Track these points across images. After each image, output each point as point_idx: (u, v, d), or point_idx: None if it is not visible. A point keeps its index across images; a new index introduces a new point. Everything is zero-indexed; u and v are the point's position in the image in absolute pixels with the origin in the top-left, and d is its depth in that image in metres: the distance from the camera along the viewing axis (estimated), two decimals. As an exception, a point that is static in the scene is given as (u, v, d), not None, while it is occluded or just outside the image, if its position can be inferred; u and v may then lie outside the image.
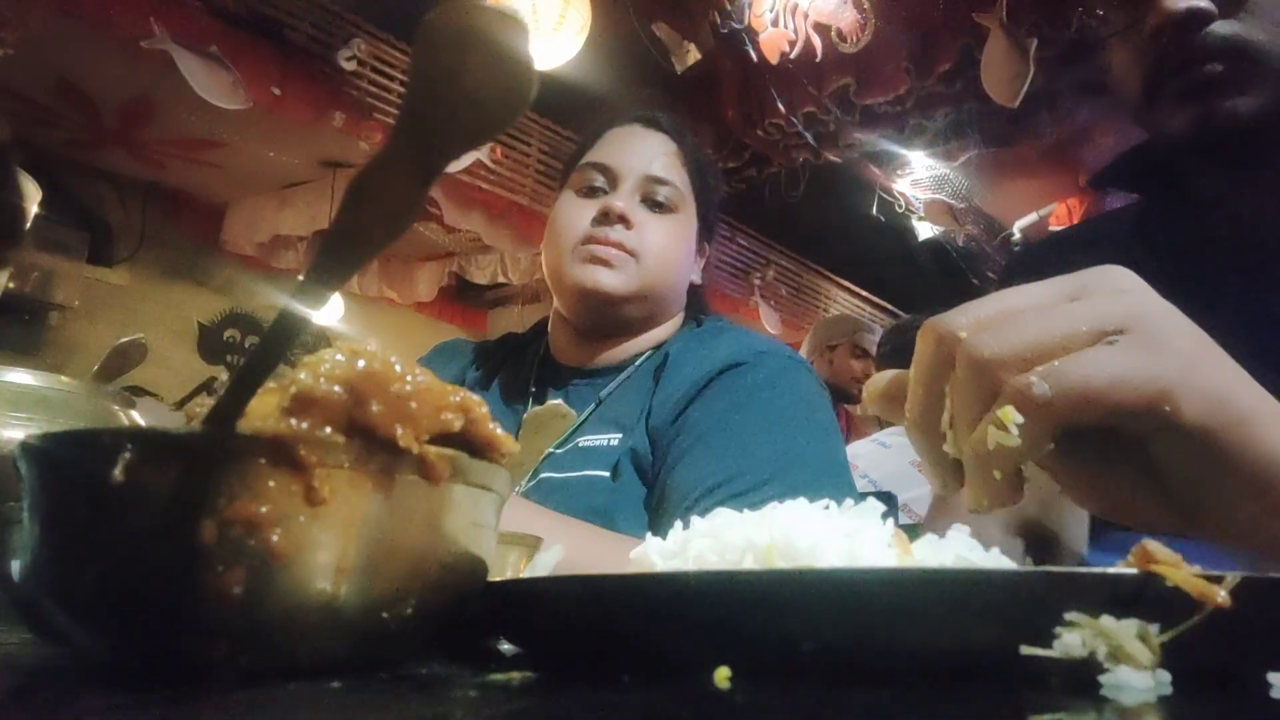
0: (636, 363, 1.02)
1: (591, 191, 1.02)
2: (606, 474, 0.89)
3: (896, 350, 2.37)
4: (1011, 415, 0.35)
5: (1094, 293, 0.38)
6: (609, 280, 0.96)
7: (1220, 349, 0.39)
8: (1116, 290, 0.38)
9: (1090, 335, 0.36)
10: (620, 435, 0.92)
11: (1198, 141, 0.65)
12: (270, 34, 3.08)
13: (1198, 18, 0.62)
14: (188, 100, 2.84)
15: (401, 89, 3.51)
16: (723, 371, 0.92)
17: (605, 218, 0.97)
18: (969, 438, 0.37)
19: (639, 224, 0.98)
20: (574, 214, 1.00)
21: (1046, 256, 0.82)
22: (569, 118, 4.17)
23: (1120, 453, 0.39)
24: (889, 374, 0.43)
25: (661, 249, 0.99)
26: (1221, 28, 0.62)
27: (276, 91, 3.01)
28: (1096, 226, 0.82)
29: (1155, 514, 0.40)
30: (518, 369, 1.09)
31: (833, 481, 0.85)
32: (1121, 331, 0.36)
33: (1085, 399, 0.35)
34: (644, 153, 1.03)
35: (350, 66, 3.27)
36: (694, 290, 1.11)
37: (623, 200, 0.98)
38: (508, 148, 3.88)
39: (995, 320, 0.38)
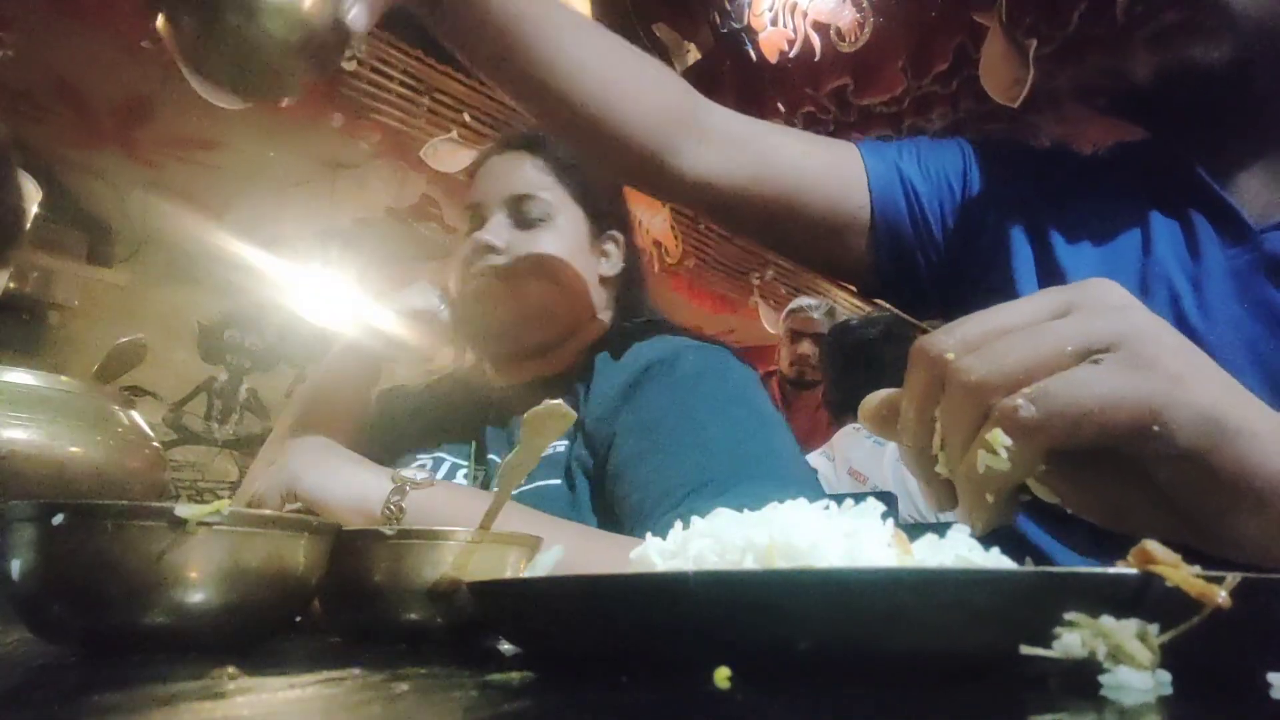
0: (563, 370, 1.03)
1: (473, 231, 1.04)
2: (559, 481, 0.90)
3: (841, 349, 2.33)
4: (1000, 438, 0.35)
5: (1080, 309, 0.38)
6: (494, 313, 0.99)
7: (1210, 362, 0.39)
8: (1104, 307, 0.38)
9: (1077, 354, 0.36)
10: (566, 441, 0.93)
11: (1163, 90, 0.67)
12: (270, 34, 3.07)
13: None
14: (187, 100, 2.83)
15: (401, 89, 3.51)
16: (648, 370, 0.92)
17: (476, 254, 1.00)
18: (961, 460, 0.37)
19: (509, 247, 1.00)
20: (459, 255, 1.03)
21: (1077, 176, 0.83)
22: (569, 118, 4.17)
23: (1118, 465, 0.39)
24: (881, 394, 0.43)
25: (536, 260, 1.00)
26: None
27: (276, 91, 3.01)
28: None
29: (1157, 522, 0.39)
30: (456, 409, 1.10)
31: (790, 464, 0.86)
32: (1109, 349, 0.36)
33: (1073, 420, 0.35)
34: (504, 176, 1.05)
35: (349, 67, 3.27)
36: (622, 282, 1.11)
37: (490, 230, 1.01)
38: (508, 148, 3.88)
39: (982, 341, 0.37)
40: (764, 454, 0.84)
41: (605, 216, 1.09)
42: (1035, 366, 0.36)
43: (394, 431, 1.08)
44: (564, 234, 1.03)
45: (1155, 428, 0.35)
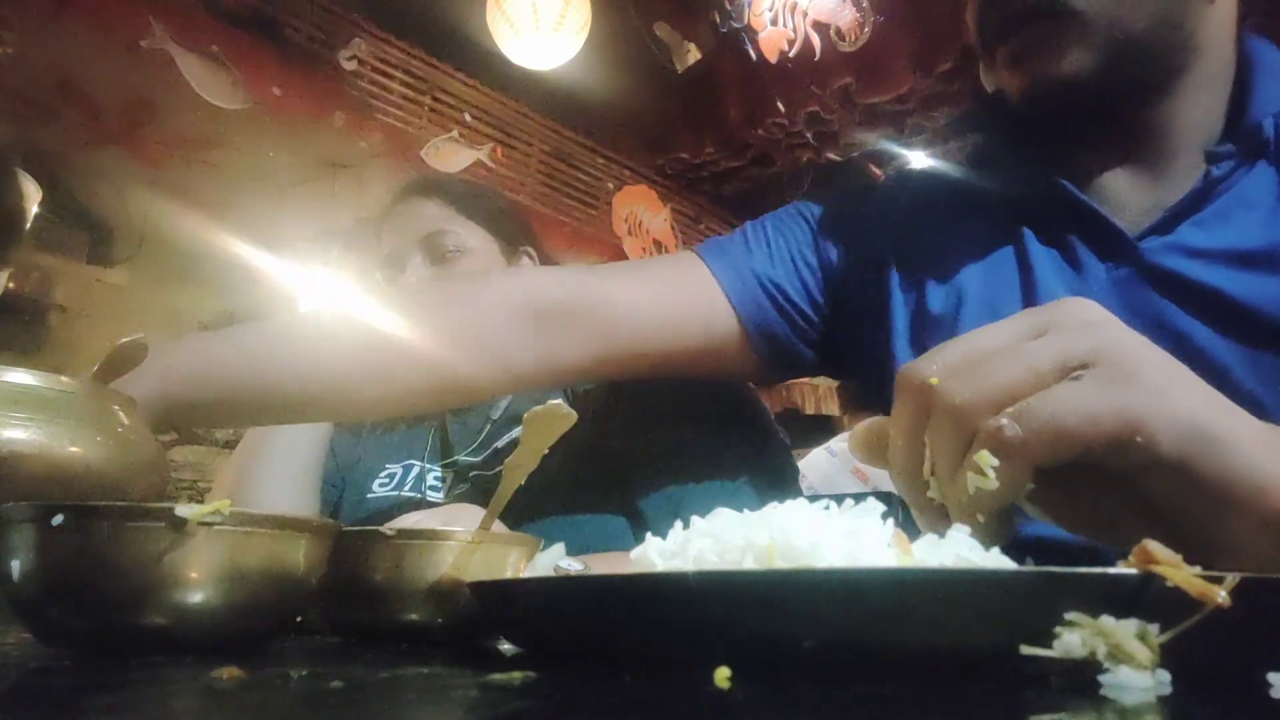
0: None
1: (393, 281, 1.09)
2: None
3: None
4: (986, 459, 0.36)
5: (1055, 327, 0.39)
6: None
7: (1190, 373, 0.39)
8: (1080, 324, 0.39)
9: (1056, 371, 0.37)
10: None
11: (1029, 104, 0.66)
12: (271, 34, 3.08)
13: None
14: (188, 100, 2.84)
15: (403, 89, 3.51)
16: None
17: None
18: (950, 483, 0.38)
19: None
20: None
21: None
22: (570, 117, 4.18)
23: (1105, 480, 0.39)
24: (869, 422, 0.44)
25: None
26: None
27: (277, 91, 3.01)
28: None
29: (1150, 534, 0.40)
30: (420, 419, 1.13)
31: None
32: (1087, 365, 0.37)
33: (1057, 436, 0.35)
34: (412, 221, 1.10)
35: (351, 66, 3.28)
36: None
37: (411, 274, 1.06)
38: (508, 148, 3.88)
39: (963, 364, 0.38)
40: None
41: (515, 236, 1.15)
42: (1016, 386, 0.36)
43: (359, 445, 1.12)
44: (479, 260, 1.09)
45: (1137, 439, 0.36)
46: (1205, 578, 0.26)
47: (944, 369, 0.38)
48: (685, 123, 4.31)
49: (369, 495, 1.07)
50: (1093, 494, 0.40)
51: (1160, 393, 0.37)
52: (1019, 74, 0.65)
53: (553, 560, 0.48)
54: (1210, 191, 0.63)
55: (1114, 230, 0.65)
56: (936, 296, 0.71)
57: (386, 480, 1.05)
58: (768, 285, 0.78)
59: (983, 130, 0.77)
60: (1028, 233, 0.69)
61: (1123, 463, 0.37)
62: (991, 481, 0.35)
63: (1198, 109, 0.67)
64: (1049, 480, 0.38)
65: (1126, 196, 0.68)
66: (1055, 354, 0.37)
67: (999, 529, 0.38)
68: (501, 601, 0.40)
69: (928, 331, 0.70)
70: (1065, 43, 0.62)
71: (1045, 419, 0.35)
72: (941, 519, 0.40)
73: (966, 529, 0.37)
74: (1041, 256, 0.67)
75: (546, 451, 0.52)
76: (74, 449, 0.46)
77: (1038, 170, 0.69)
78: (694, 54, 4.07)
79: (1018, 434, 0.35)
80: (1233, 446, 0.37)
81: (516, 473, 0.52)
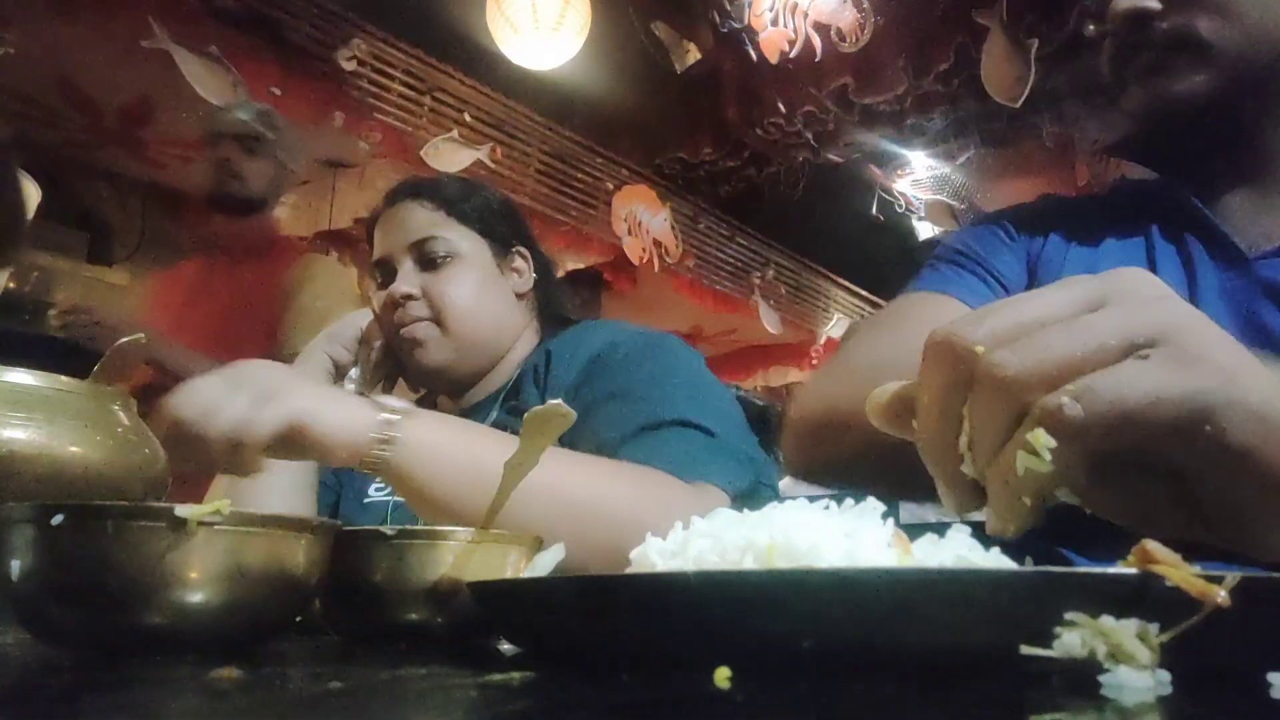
0: (508, 381, 1.08)
1: (385, 285, 1.09)
2: None
3: None
4: (1043, 439, 0.33)
5: (1117, 300, 0.36)
6: (430, 357, 1.04)
7: (1255, 359, 0.37)
8: (1142, 298, 0.36)
9: (1120, 349, 0.34)
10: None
11: (1152, 125, 0.71)
12: (270, 34, 3.08)
13: (1144, 13, 0.69)
14: (188, 100, 2.84)
15: (402, 89, 3.51)
16: (597, 358, 0.99)
17: (395, 306, 1.05)
18: (993, 462, 0.35)
19: (426, 290, 1.05)
20: (381, 313, 1.08)
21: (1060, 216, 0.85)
22: (569, 117, 4.18)
23: (1148, 467, 0.37)
24: (892, 387, 0.40)
25: (455, 298, 1.05)
26: (1170, 20, 0.68)
27: (276, 91, 3.01)
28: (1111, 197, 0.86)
29: (1179, 521, 0.38)
30: None
31: (731, 421, 0.92)
32: (1154, 344, 0.34)
33: (1122, 419, 0.33)
34: (402, 226, 1.09)
35: (350, 66, 3.28)
36: (539, 292, 1.16)
37: (403, 280, 1.05)
38: (507, 148, 3.89)
39: (1014, 333, 0.35)
40: (706, 408, 0.91)
41: (507, 237, 1.14)
42: (1076, 362, 0.34)
43: None
44: (472, 264, 1.08)
45: (1206, 427, 0.33)
46: (1205, 578, 0.26)
47: (992, 336, 0.35)
48: (683, 123, 4.31)
49: (366, 500, 1.07)
50: (1127, 479, 0.37)
51: (1232, 378, 0.34)
52: (1143, 90, 0.70)
53: (553, 560, 0.48)
54: None
55: (1232, 245, 0.68)
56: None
57: (383, 484, 1.06)
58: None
59: (1124, 155, 0.80)
60: (1157, 238, 0.73)
61: (1186, 452, 0.35)
62: (1045, 464, 0.33)
63: None
64: (1095, 465, 0.35)
65: (1246, 217, 0.71)
66: (1119, 330, 0.34)
67: (1038, 513, 0.35)
68: (501, 601, 0.40)
69: None
70: (1191, 68, 0.67)
71: (1110, 400, 0.33)
72: (972, 496, 0.37)
73: (966, 530, 0.37)
74: (1165, 253, 0.71)
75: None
76: (74, 449, 0.46)
77: (1170, 186, 0.73)
78: (693, 54, 4.07)
79: (1079, 414, 0.33)
80: None
81: (516, 472, 0.52)
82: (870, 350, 0.74)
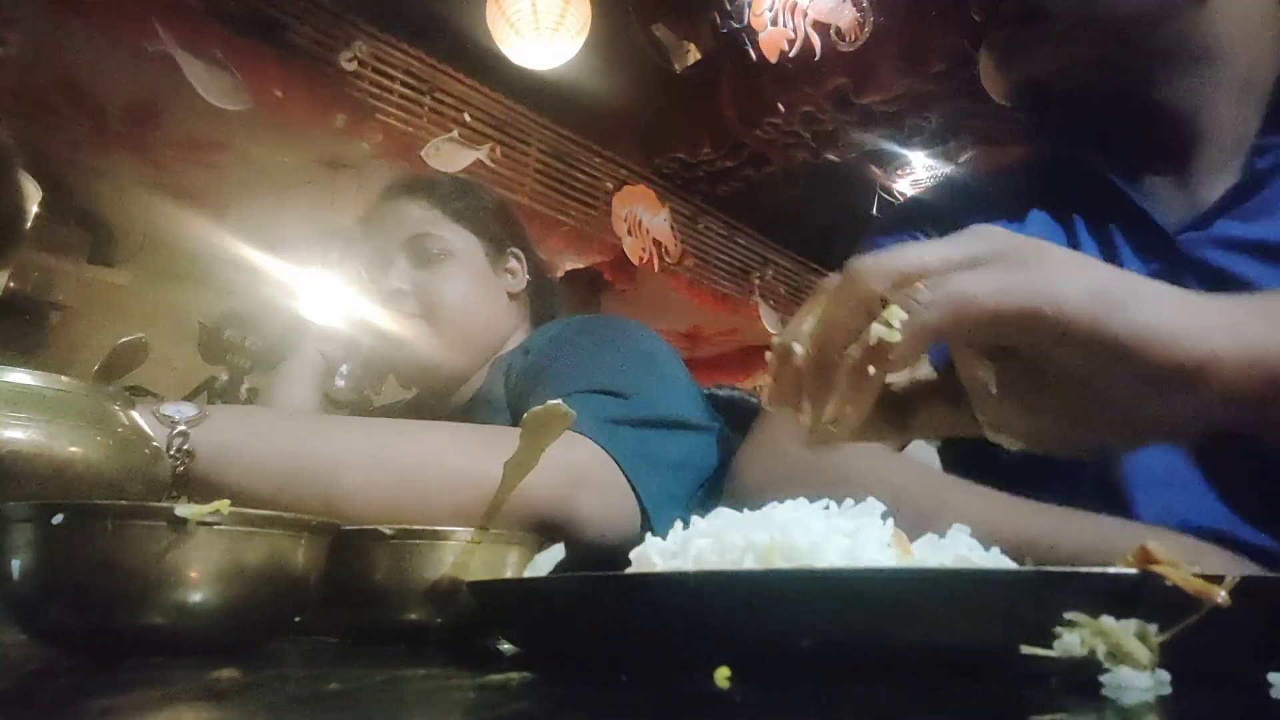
0: (492, 370, 1.08)
1: (377, 280, 1.08)
2: None
3: None
4: (895, 313, 0.36)
5: (971, 235, 0.40)
6: (420, 354, 1.04)
7: (1093, 258, 0.41)
8: (987, 233, 0.40)
9: (964, 261, 0.38)
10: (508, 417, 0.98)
11: (1014, 105, 0.69)
12: (272, 36, 3.08)
13: None
14: (190, 102, 2.84)
15: (403, 89, 3.52)
16: (552, 338, 0.99)
17: (388, 301, 1.05)
18: (833, 341, 0.39)
19: (418, 287, 1.05)
20: (372, 304, 1.08)
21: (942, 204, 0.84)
22: (569, 118, 4.18)
23: (1039, 384, 0.40)
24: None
25: (447, 296, 1.05)
26: None
27: (278, 93, 3.01)
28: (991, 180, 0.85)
29: (1074, 434, 0.42)
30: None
31: (682, 392, 0.91)
32: (999, 257, 0.38)
33: (965, 302, 0.37)
34: (396, 222, 1.09)
35: (351, 68, 3.28)
36: (532, 293, 1.16)
37: (395, 276, 1.05)
38: (507, 147, 3.89)
39: (881, 254, 0.39)
40: (654, 376, 0.90)
41: (501, 237, 1.14)
42: (926, 266, 0.38)
43: None
44: (466, 263, 1.08)
45: (1046, 310, 0.37)
46: (1205, 578, 0.26)
47: (857, 260, 0.40)
48: (682, 123, 4.31)
49: None
50: (1036, 400, 0.41)
51: (1067, 268, 0.39)
52: (999, 76, 0.68)
53: (553, 560, 0.48)
54: (1255, 184, 0.64)
55: (1152, 224, 0.67)
56: None
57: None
58: None
59: (1034, 134, 0.79)
60: (1079, 222, 0.71)
61: (1035, 337, 0.38)
62: (895, 332, 0.36)
63: (1234, 104, 0.68)
64: (997, 400, 0.40)
65: (1167, 192, 0.69)
66: (964, 248, 0.39)
67: (868, 403, 0.38)
68: (501, 601, 0.40)
69: None
70: (1037, 44, 0.65)
71: (956, 288, 0.37)
72: (794, 391, 0.40)
73: (967, 530, 0.37)
74: (1088, 247, 0.69)
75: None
76: (74, 449, 0.46)
77: (1088, 164, 0.71)
78: (693, 54, 4.07)
79: (929, 297, 0.37)
80: (1139, 301, 0.39)
81: (517, 471, 0.52)
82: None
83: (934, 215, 0.80)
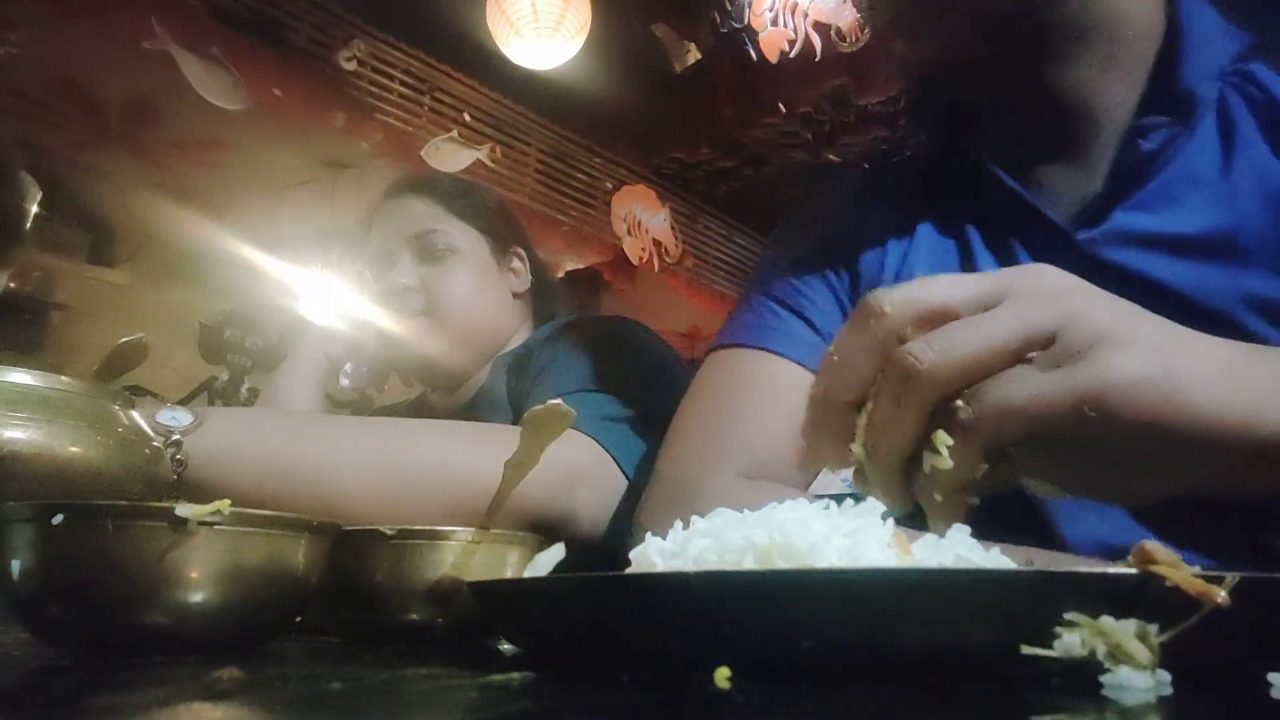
0: (494, 368, 1.08)
1: (382, 277, 1.09)
2: None
3: None
4: (942, 437, 0.36)
5: (1018, 294, 0.39)
6: (425, 350, 1.04)
7: (1152, 322, 0.40)
8: (1042, 293, 0.39)
9: (1018, 351, 0.37)
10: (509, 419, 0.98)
11: (916, 90, 0.66)
12: (271, 35, 3.08)
13: None
14: (189, 101, 2.84)
15: (402, 89, 3.51)
16: (560, 331, 1.01)
17: (394, 297, 1.05)
18: (892, 449, 0.38)
19: (423, 283, 1.06)
20: (377, 305, 1.08)
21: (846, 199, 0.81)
22: (569, 117, 4.18)
23: (1097, 444, 0.39)
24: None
25: (452, 292, 1.06)
26: None
27: (277, 92, 3.01)
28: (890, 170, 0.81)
29: (1123, 485, 0.41)
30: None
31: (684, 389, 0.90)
32: (1049, 341, 0.37)
33: (1006, 415, 0.36)
34: (401, 219, 1.09)
35: (350, 67, 3.28)
36: (535, 293, 1.17)
37: (401, 272, 1.06)
38: (507, 147, 3.89)
39: (925, 315, 0.38)
40: (652, 374, 0.91)
41: (505, 236, 1.14)
42: (979, 364, 0.37)
43: None
44: (470, 261, 1.08)
45: (1090, 413, 0.36)
46: (1205, 578, 0.26)
47: (903, 303, 0.38)
48: (681, 123, 4.31)
49: None
50: (1079, 455, 0.40)
51: (1112, 356, 0.37)
52: (900, 60, 0.65)
53: (553, 560, 0.48)
54: (1146, 168, 0.61)
55: (1048, 224, 0.63)
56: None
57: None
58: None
59: (926, 129, 0.75)
60: (973, 234, 0.68)
61: (1079, 432, 0.37)
62: (946, 460, 0.36)
63: (1121, 84, 0.64)
64: (1045, 455, 0.38)
65: (1064, 185, 0.66)
66: (1019, 330, 0.37)
67: (955, 510, 0.38)
68: (501, 601, 0.40)
69: None
70: (930, 22, 0.62)
71: (996, 402, 0.36)
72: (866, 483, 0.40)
73: (966, 530, 0.37)
74: (984, 261, 0.66)
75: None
76: (74, 449, 0.46)
77: (975, 164, 0.68)
78: (693, 54, 4.07)
79: (969, 416, 0.36)
80: (1191, 385, 0.37)
81: (517, 471, 0.52)
82: (712, 433, 0.69)
83: (829, 241, 0.76)
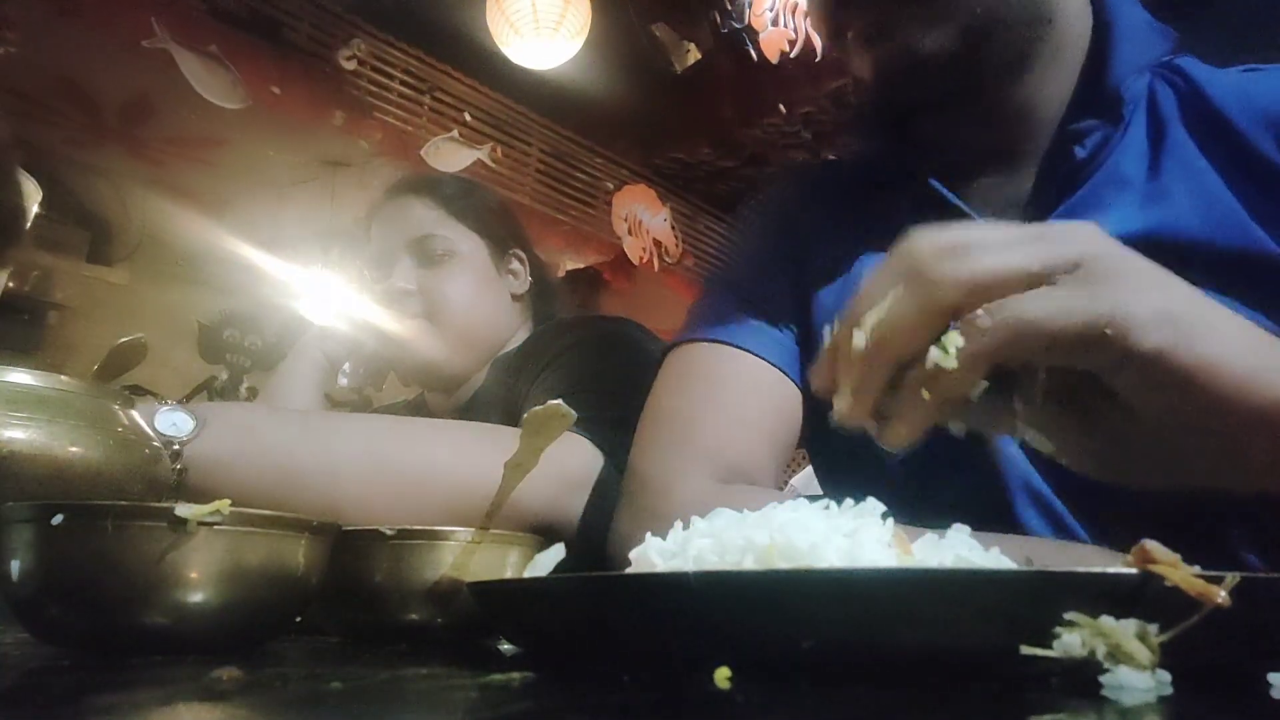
0: (492, 369, 1.08)
1: (381, 279, 1.08)
2: None
3: None
4: (954, 338, 0.36)
5: (1051, 234, 0.39)
6: (423, 353, 1.04)
7: (1175, 277, 0.40)
8: (1075, 234, 0.39)
9: (1042, 274, 0.37)
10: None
11: (887, 81, 0.62)
12: (270, 34, 3.08)
13: None
14: (188, 99, 2.84)
15: (402, 88, 3.51)
16: (559, 332, 1.01)
17: (392, 300, 1.05)
18: (892, 344, 0.38)
19: (422, 287, 1.06)
20: (376, 307, 1.08)
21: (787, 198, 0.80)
22: (569, 117, 4.18)
23: (1102, 413, 0.40)
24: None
25: (452, 296, 1.06)
26: None
27: (276, 91, 3.01)
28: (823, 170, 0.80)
29: (1145, 465, 0.40)
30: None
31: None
32: (1072, 269, 0.37)
33: (1023, 326, 0.36)
34: (401, 222, 1.09)
35: (350, 66, 3.27)
36: (534, 294, 1.16)
37: (400, 275, 1.05)
38: (508, 147, 3.88)
39: (958, 248, 0.38)
40: (651, 375, 0.87)
41: (505, 238, 1.14)
42: (1002, 279, 0.37)
43: None
44: (470, 264, 1.08)
45: (1106, 331, 0.36)
46: (1205, 578, 0.26)
47: (935, 245, 0.38)
48: (681, 123, 4.31)
49: None
50: (1090, 429, 0.40)
51: (1137, 290, 0.37)
52: (872, 54, 0.61)
53: (553, 560, 0.48)
54: (1078, 173, 0.60)
55: None
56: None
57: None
58: (796, 336, 0.72)
59: (864, 134, 0.73)
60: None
61: (1095, 361, 0.37)
62: (951, 359, 0.36)
63: (1055, 84, 0.63)
64: (1048, 416, 0.39)
65: (1000, 190, 0.65)
66: (1043, 256, 0.37)
67: (928, 418, 0.38)
68: (501, 601, 0.40)
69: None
70: (922, 18, 0.58)
71: (1016, 312, 0.36)
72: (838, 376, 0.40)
73: (966, 530, 0.37)
74: None
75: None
76: (74, 449, 0.46)
77: (911, 172, 0.66)
78: (693, 55, 4.07)
79: (986, 322, 0.36)
80: (1209, 332, 0.37)
81: (516, 471, 0.52)
82: (681, 437, 0.67)
83: (784, 238, 0.75)
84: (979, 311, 0.36)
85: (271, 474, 0.63)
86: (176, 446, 0.57)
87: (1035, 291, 0.37)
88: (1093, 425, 0.41)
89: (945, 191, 0.64)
